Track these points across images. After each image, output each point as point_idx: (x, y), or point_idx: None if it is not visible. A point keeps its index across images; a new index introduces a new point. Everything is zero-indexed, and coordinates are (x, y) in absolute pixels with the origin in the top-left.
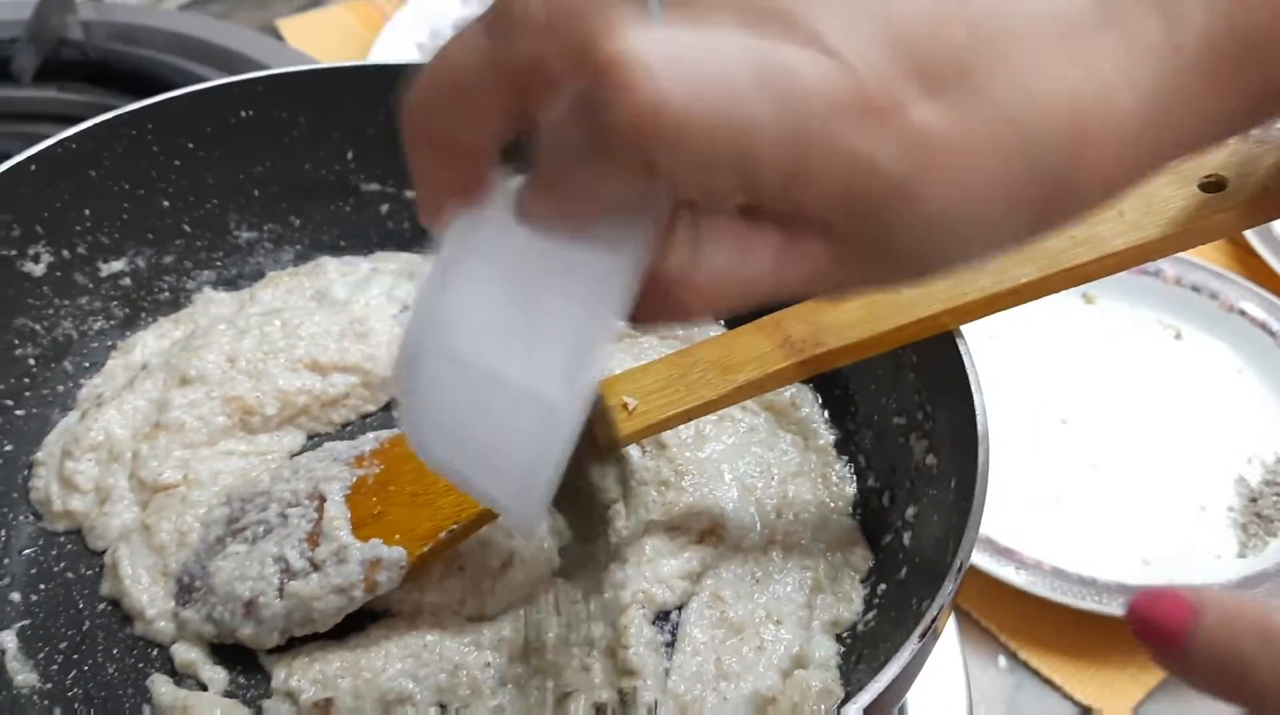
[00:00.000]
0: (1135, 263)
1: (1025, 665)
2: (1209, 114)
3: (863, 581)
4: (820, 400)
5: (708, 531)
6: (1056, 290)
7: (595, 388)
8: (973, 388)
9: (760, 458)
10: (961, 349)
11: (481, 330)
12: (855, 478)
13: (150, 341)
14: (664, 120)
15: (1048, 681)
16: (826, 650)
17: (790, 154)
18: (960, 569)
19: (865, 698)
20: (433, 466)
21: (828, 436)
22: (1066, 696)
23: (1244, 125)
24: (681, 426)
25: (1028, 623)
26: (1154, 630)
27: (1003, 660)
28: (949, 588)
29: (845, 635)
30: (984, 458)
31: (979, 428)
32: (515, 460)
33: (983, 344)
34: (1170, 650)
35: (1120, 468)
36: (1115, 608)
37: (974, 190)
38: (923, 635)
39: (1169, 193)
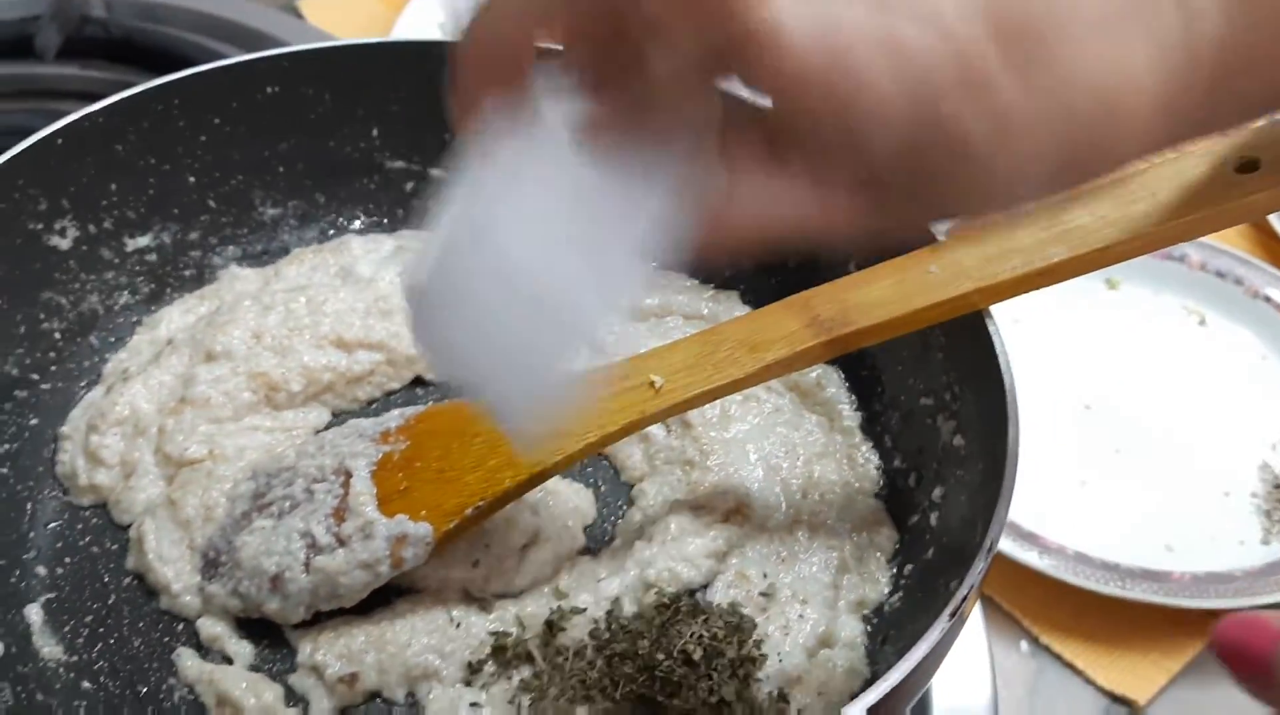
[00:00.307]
0: (1168, 243)
1: (1048, 650)
2: (1215, 105)
3: (889, 562)
4: (846, 381)
5: (733, 511)
6: (1089, 270)
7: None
8: (1003, 368)
9: (785, 438)
10: (991, 329)
11: (532, 246)
12: (881, 459)
13: (175, 317)
14: (796, 74)
15: (1070, 667)
16: (852, 630)
17: (900, 115)
18: (990, 549)
19: (895, 676)
20: (441, 371)
21: (853, 418)
22: (1089, 682)
23: (1241, 120)
24: (707, 406)
25: (1050, 608)
26: (1240, 656)
27: (1025, 645)
28: (979, 567)
29: (871, 616)
30: (1014, 437)
31: (1009, 408)
32: (533, 370)
33: (1008, 328)
34: (1256, 675)
35: (1143, 453)
36: (1139, 593)
37: (1028, 157)
38: (952, 615)
39: (1202, 173)
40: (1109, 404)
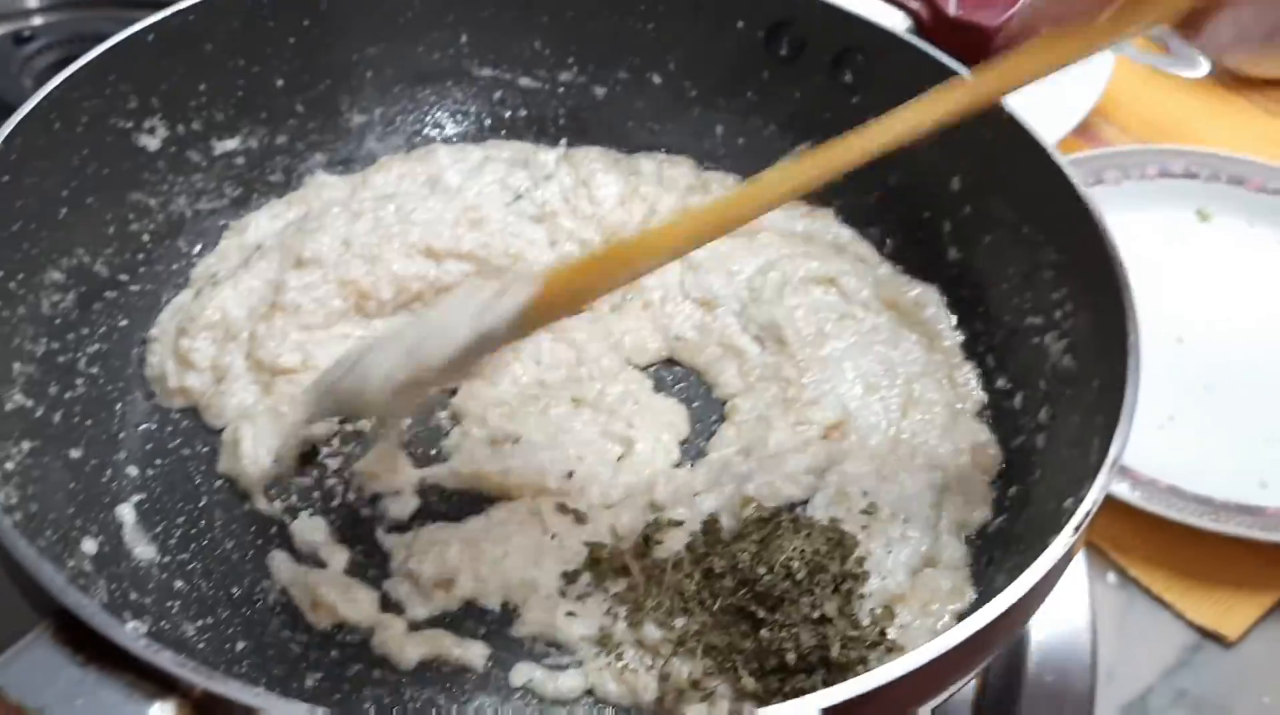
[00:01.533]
0: None
1: (1136, 583)
2: None
3: (991, 485)
4: (946, 301)
5: (833, 427)
6: None
7: None
8: (1122, 282)
9: (883, 357)
10: (1110, 243)
11: None
12: (983, 380)
13: (263, 222)
14: None
15: (1159, 600)
16: (955, 551)
17: None
18: (1114, 464)
19: (1017, 591)
20: None
21: (953, 337)
22: (1178, 616)
23: None
24: (801, 323)
25: (1139, 541)
26: None
27: (1112, 577)
28: (1102, 482)
29: (975, 537)
30: (1136, 351)
31: (1129, 322)
32: None
33: None
34: None
35: (1236, 388)
36: (1233, 527)
37: None
38: (1076, 529)
39: None
40: (1201, 338)
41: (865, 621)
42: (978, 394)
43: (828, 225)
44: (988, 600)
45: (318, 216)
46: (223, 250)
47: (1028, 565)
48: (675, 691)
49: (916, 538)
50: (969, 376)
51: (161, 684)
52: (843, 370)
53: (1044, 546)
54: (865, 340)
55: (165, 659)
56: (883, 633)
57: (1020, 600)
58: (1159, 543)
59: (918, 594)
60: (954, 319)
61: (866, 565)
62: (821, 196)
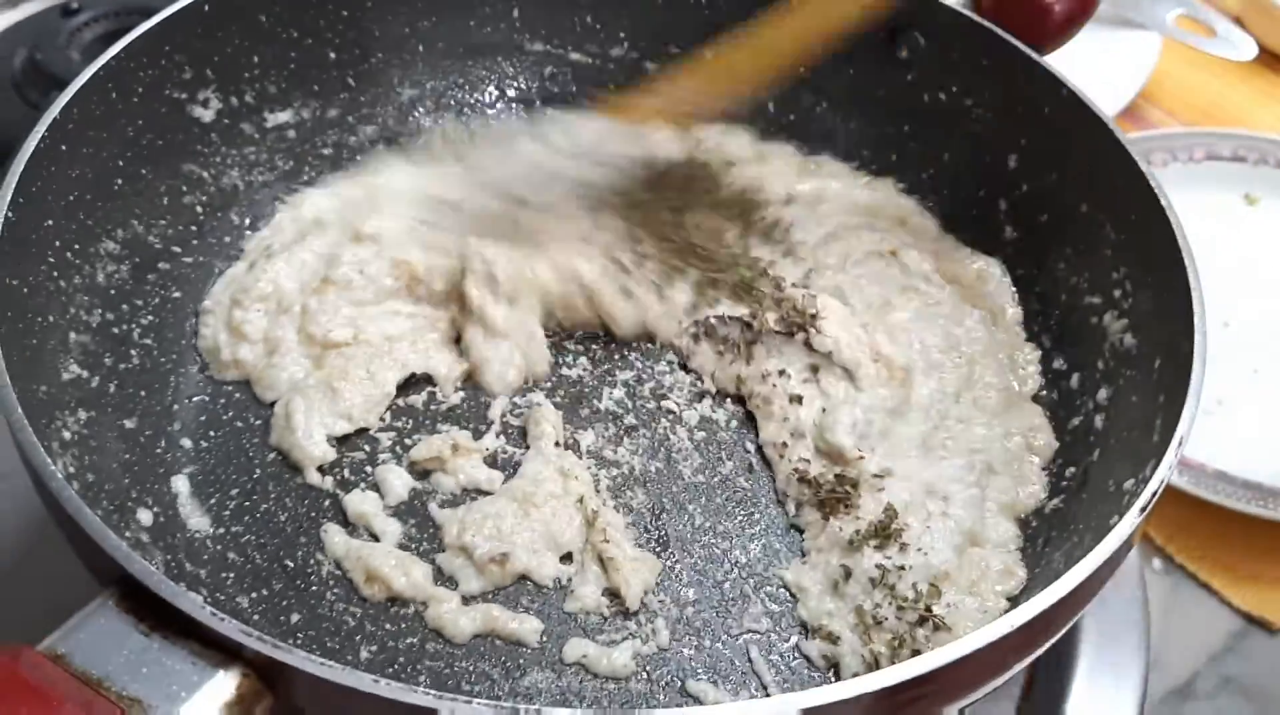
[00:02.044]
0: None
1: (1183, 569)
2: None
3: (1044, 468)
4: (1008, 276)
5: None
6: None
7: None
8: (1186, 260)
9: (947, 332)
10: (1173, 221)
11: None
12: (1041, 360)
13: (320, 198)
14: None
15: (1205, 586)
16: (1004, 532)
17: None
18: (1180, 444)
19: (1080, 572)
20: None
21: (1015, 312)
22: (1225, 602)
23: None
24: (867, 291)
25: (1185, 527)
26: None
27: (1158, 563)
28: (1169, 461)
29: (1029, 518)
30: (1201, 330)
31: (1195, 301)
32: None
33: None
34: None
35: None
36: None
37: None
38: (1143, 510)
39: None
40: (1248, 322)
41: (909, 595)
42: (1036, 377)
43: (889, 196)
44: (1042, 582)
45: (382, 197)
46: (278, 223)
47: (1088, 547)
48: None
49: (960, 516)
50: (1030, 357)
51: (226, 652)
52: (910, 337)
53: (1106, 528)
54: (930, 312)
55: (230, 627)
56: (929, 609)
57: (1083, 582)
58: (1206, 529)
59: (965, 572)
60: (1016, 294)
61: (905, 537)
62: (885, 166)
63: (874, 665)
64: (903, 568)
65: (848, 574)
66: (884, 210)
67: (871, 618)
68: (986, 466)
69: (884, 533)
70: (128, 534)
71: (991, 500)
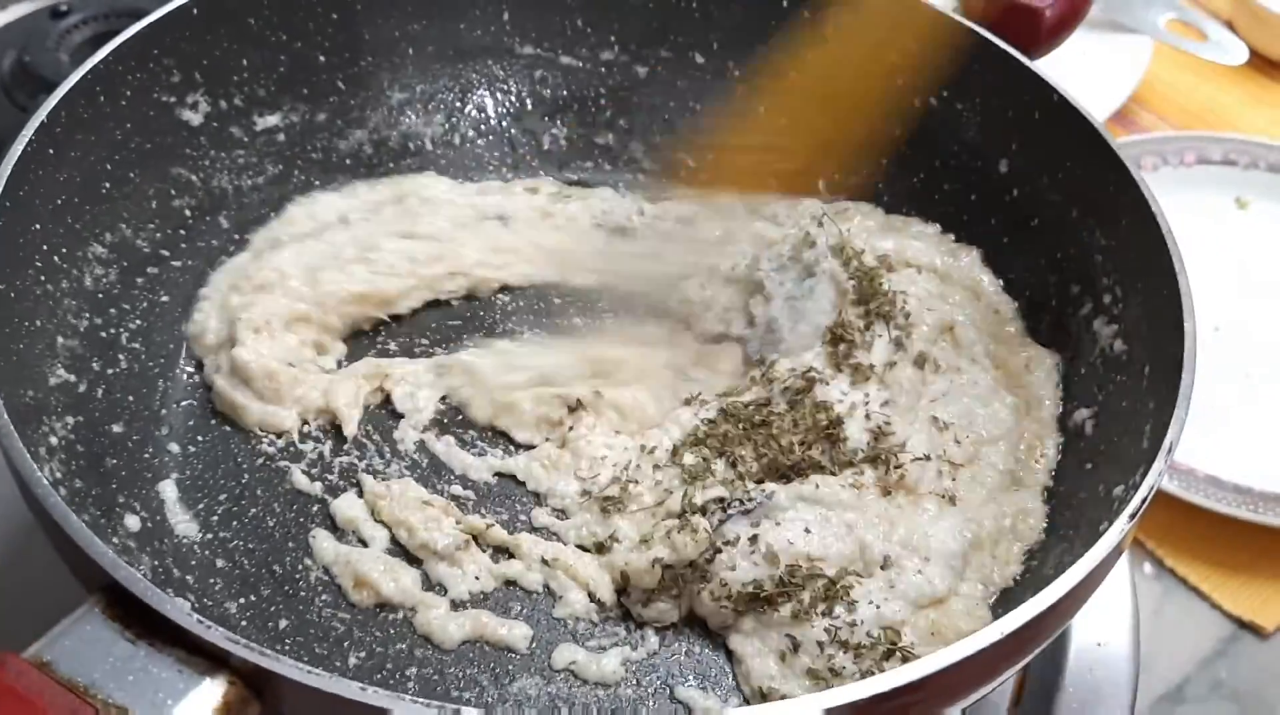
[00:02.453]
0: None
1: (1173, 573)
2: None
3: (1025, 552)
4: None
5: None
6: None
7: None
8: (1176, 265)
9: (968, 410)
10: (1163, 225)
11: None
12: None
13: (336, 200)
14: None
15: (1196, 591)
16: (971, 591)
17: None
18: (1170, 449)
19: (1070, 579)
20: None
21: (1054, 406)
22: (1215, 607)
23: None
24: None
25: (1176, 531)
26: None
27: (1149, 568)
28: (1159, 466)
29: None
30: (1191, 332)
31: (1184, 305)
32: None
33: None
34: None
35: (1274, 377)
36: (1271, 517)
37: None
38: (1133, 516)
39: None
40: (1238, 327)
41: (865, 643)
42: (1046, 473)
43: (971, 266)
44: (1032, 588)
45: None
46: (290, 216)
47: (1078, 553)
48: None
49: (935, 576)
50: (1049, 451)
51: (213, 660)
52: (923, 416)
53: (1096, 534)
54: (957, 390)
55: (217, 635)
56: (894, 644)
57: (1073, 589)
58: (1196, 533)
59: (920, 625)
60: (1061, 391)
61: (854, 595)
62: (972, 234)
63: None
64: (854, 624)
65: (795, 645)
66: (960, 279)
67: (829, 671)
68: (972, 539)
69: (830, 596)
70: (114, 540)
71: (969, 578)
